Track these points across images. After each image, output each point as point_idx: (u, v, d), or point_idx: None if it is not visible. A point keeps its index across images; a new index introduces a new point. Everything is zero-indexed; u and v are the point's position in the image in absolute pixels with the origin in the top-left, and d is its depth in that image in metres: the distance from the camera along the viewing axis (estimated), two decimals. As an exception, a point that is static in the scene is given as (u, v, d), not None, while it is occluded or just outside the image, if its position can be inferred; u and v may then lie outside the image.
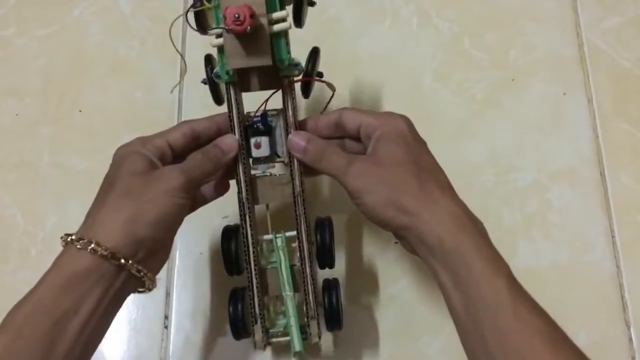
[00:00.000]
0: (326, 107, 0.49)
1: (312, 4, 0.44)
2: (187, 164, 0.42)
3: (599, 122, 0.61)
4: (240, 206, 0.45)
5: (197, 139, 0.44)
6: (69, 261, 0.37)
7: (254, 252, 0.45)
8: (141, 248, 0.38)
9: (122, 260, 0.37)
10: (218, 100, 0.47)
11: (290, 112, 0.45)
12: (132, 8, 0.67)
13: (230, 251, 0.46)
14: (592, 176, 0.59)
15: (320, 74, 0.47)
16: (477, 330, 0.36)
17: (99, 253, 0.36)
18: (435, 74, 0.63)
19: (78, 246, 0.37)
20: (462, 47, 0.64)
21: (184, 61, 0.50)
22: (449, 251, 0.38)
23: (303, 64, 0.45)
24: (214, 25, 0.40)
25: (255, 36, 0.39)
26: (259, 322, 0.45)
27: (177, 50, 0.45)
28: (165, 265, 0.57)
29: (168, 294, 0.56)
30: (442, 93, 0.63)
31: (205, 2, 0.40)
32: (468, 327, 0.37)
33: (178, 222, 0.41)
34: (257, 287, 0.45)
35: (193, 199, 0.43)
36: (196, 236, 0.57)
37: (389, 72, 0.64)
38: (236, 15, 0.37)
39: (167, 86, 0.63)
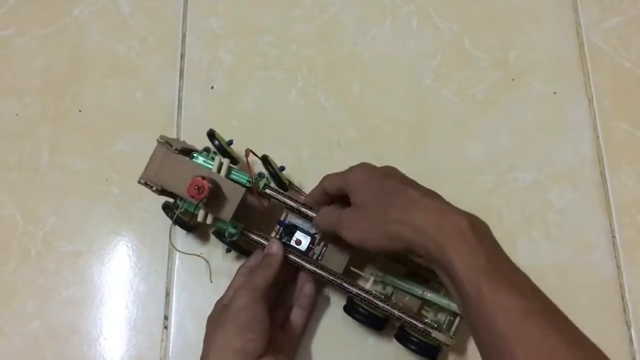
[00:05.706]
0: (301, 193, 0.56)
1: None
2: (249, 281, 0.50)
3: (599, 122, 0.61)
4: (336, 287, 0.52)
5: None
6: None
7: (380, 298, 0.51)
8: (251, 345, 0.46)
9: None
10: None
11: (291, 203, 0.53)
12: (132, 8, 0.67)
13: (365, 316, 0.52)
14: (592, 176, 0.59)
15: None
16: (469, 317, 0.41)
17: None
18: (435, 74, 0.63)
19: None
20: (462, 47, 0.64)
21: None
22: (435, 256, 0.42)
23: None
24: (199, 217, 0.51)
25: (219, 188, 0.50)
26: (434, 326, 0.50)
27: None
28: (165, 265, 0.57)
29: (168, 294, 0.56)
30: (442, 93, 0.63)
31: (177, 210, 0.52)
32: (466, 316, 0.41)
33: (266, 323, 0.48)
34: (408, 315, 0.50)
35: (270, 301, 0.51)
36: (196, 237, 0.57)
37: (389, 72, 0.64)
38: (197, 187, 0.47)
39: (167, 86, 0.64)
